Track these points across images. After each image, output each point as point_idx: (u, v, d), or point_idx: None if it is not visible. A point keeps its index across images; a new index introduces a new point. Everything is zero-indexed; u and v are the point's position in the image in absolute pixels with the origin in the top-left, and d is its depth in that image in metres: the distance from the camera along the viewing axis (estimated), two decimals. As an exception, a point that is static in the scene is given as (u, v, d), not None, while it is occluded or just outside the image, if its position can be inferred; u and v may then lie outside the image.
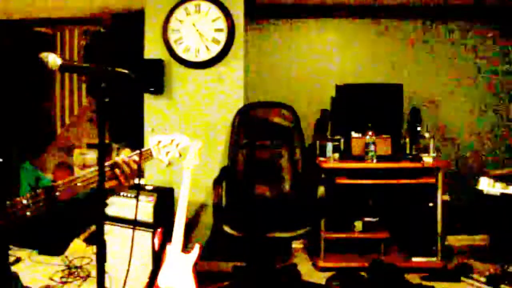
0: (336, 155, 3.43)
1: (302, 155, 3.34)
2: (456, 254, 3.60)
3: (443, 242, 3.41)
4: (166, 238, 2.68)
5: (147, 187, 2.99)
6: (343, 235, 3.52)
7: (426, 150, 3.47)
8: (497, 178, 3.24)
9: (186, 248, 2.65)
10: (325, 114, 3.79)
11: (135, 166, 1.51)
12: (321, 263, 3.37)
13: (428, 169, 3.36)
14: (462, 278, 3.14)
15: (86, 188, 1.42)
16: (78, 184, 1.40)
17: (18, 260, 3.30)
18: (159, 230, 2.73)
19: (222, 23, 3.40)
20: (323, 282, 3.11)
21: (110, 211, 2.91)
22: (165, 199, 2.99)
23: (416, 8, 3.90)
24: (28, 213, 1.28)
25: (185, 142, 1.71)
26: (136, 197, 1.82)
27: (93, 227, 1.64)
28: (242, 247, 3.25)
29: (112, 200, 2.93)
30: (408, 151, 3.53)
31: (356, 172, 3.39)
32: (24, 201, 1.29)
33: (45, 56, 1.26)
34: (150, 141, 1.65)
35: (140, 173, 1.55)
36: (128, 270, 1.60)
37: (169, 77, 3.48)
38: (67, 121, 4.76)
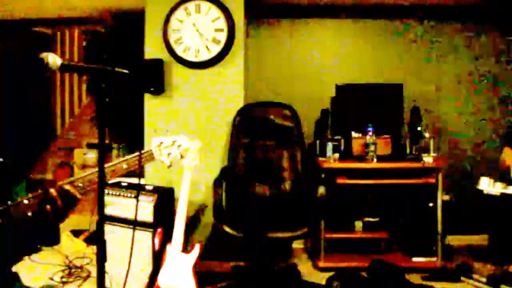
0: (336, 155, 3.43)
1: (302, 155, 3.34)
2: (456, 254, 3.59)
3: (443, 242, 3.41)
4: (166, 238, 2.67)
5: (147, 187, 2.99)
6: (343, 235, 3.52)
7: (426, 150, 3.48)
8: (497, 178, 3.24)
9: (186, 248, 2.64)
10: (325, 114, 3.79)
11: (77, 195, 1.38)
12: (321, 263, 3.37)
13: (428, 169, 3.36)
14: (462, 278, 3.14)
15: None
16: (79, 185, 1.41)
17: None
18: (159, 230, 2.73)
19: (222, 23, 3.40)
20: (323, 282, 3.10)
21: (110, 211, 2.91)
22: (165, 199, 2.99)
23: (416, 8, 3.90)
24: (29, 214, 1.28)
25: (186, 144, 1.71)
26: (136, 197, 1.82)
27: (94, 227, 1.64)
28: (242, 247, 3.25)
29: (112, 200, 2.93)
30: (408, 151, 3.53)
31: (356, 172, 3.39)
32: (26, 201, 1.29)
33: (45, 56, 1.26)
34: (151, 142, 1.65)
35: (140, 173, 1.55)
36: (128, 270, 1.60)
37: (169, 77, 3.48)
38: (67, 121, 4.76)
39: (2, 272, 1.39)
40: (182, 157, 1.69)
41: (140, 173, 1.57)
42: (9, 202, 1.29)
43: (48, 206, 1.33)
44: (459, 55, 4.02)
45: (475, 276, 3.11)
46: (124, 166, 1.53)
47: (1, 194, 1.36)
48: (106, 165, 1.45)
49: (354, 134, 3.52)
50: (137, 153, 1.56)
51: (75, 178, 1.42)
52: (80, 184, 1.41)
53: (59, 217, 1.35)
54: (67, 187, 1.38)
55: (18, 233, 1.35)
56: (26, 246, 1.48)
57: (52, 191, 1.36)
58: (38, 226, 1.33)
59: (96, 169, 1.36)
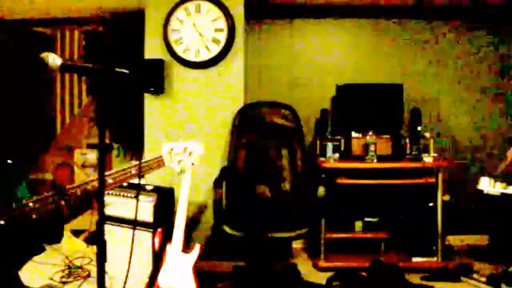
0: (336, 155, 3.43)
1: (302, 155, 3.34)
2: (456, 254, 3.60)
3: (443, 242, 3.41)
4: (166, 238, 2.68)
5: (147, 187, 2.99)
6: (343, 235, 3.52)
7: (426, 150, 3.47)
8: (498, 178, 3.24)
9: (186, 248, 2.65)
10: (325, 114, 3.79)
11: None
12: (321, 263, 3.37)
13: (428, 169, 3.36)
14: (462, 278, 3.14)
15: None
16: (89, 187, 1.41)
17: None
18: (159, 230, 2.73)
19: (222, 23, 3.40)
20: (323, 282, 3.10)
21: (110, 211, 2.91)
22: (165, 199, 2.99)
23: (416, 8, 3.90)
24: (34, 216, 1.28)
25: (198, 150, 1.68)
26: (136, 197, 1.82)
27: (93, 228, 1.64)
28: (242, 247, 3.25)
29: (112, 200, 2.93)
30: (408, 151, 3.53)
31: (356, 172, 3.39)
32: (31, 204, 1.29)
33: (45, 56, 1.26)
34: (162, 148, 1.64)
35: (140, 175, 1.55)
36: (128, 270, 1.60)
37: (169, 77, 3.48)
38: (67, 121, 4.75)
39: (6, 273, 1.39)
40: (193, 164, 1.67)
41: (139, 175, 1.57)
42: (14, 204, 1.28)
43: (62, 202, 1.35)
44: (459, 54, 4.01)
45: (475, 276, 3.11)
46: (133, 171, 1.53)
47: (5, 195, 1.36)
48: (114, 171, 1.46)
49: (354, 134, 3.52)
50: (145, 160, 1.56)
51: (83, 182, 1.42)
52: (89, 187, 1.41)
53: (72, 214, 1.37)
54: (77, 191, 1.39)
55: (26, 234, 1.35)
56: (33, 246, 1.48)
57: (66, 188, 1.38)
58: (47, 223, 1.33)
59: (107, 172, 1.37)
